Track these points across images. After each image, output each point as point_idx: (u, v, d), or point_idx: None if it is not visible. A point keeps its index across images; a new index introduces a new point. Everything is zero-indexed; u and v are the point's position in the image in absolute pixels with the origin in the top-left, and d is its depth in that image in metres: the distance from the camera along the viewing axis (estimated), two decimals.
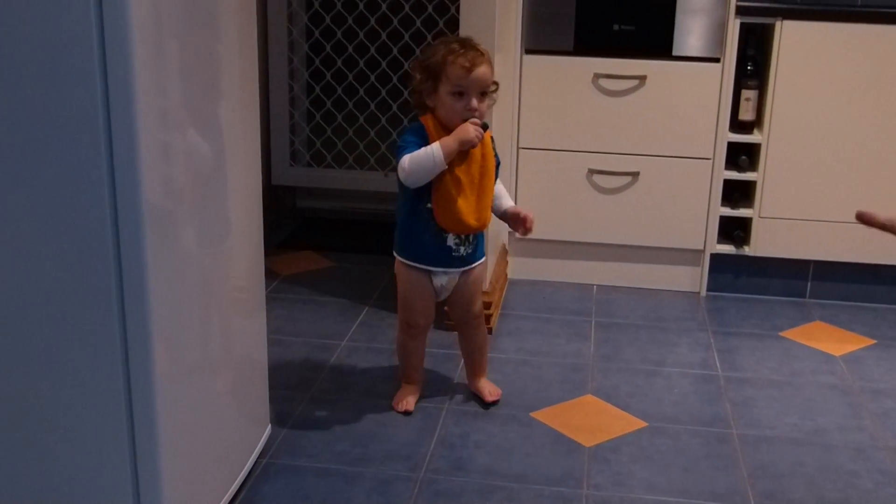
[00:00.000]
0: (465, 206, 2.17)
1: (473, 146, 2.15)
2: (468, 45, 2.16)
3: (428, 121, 2.18)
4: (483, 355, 2.40)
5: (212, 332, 1.82)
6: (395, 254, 2.26)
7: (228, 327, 1.89)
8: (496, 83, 2.19)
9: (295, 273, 3.19)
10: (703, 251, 3.08)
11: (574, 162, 3.02)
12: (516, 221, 2.24)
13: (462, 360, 2.50)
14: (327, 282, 3.12)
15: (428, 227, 2.20)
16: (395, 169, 2.27)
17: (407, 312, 2.29)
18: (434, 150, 2.12)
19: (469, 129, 2.13)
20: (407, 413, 2.33)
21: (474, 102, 2.13)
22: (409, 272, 2.25)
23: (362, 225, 3.57)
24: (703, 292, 3.12)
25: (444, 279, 2.27)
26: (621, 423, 2.35)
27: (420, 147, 2.12)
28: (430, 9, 3.49)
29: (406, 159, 2.12)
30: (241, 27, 1.83)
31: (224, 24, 1.76)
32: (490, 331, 2.77)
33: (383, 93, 3.61)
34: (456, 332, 2.45)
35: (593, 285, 3.15)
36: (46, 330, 1.58)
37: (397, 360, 2.41)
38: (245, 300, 1.96)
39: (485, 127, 2.16)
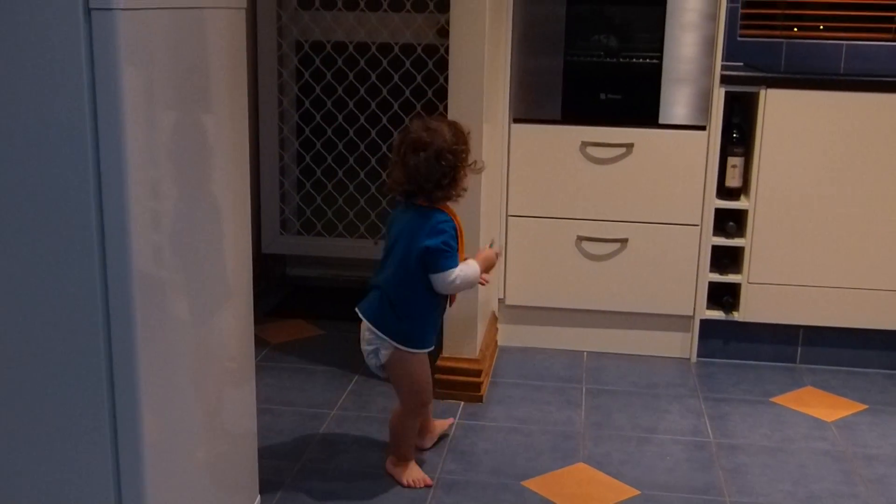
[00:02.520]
0: None
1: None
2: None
3: (453, 215, 2.22)
4: None
5: (201, 403, 1.80)
6: (404, 347, 2.23)
7: (218, 397, 1.88)
8: None
9: (285, 341, 3.18)
10: (692, 317, 3.07)
11: (563, 229, 3.02)
12: None
13: (436, 431, 2.52)
14: (317, 350, 3.11)
15: (441, 310, 2.28)
16: (384, 237, 2.29)
17: (421, 395, 2.30)
18: (475, 273, 2.22)
19: (493, 258, 2.30)
20: (429, 486, 2.33)
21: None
22: (422, 358, 2.27)
23: (352, 293, 3.42)
24: (694, 358, 3.11)
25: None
26: (613, 491, 2.33)
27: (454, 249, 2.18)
28: (419, 78, 3.51)
29: (458, 277, 2.18)
30: (232, 99, 1.85)
31: (216, 96, 1.77)
32: (481, 399, 2.76)
33: (373, 161, 3.61)
34: (432, 402, 2.45)
35: (584, 352, 3.14)
36: (35, 399, 1.57)
37: (395, 439, 2.35)
38: (235, 370, 1.95)
39: None
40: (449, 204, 2.20)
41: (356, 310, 2.25)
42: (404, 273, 2.19)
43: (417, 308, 2.21)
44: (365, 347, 2.25)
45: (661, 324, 3.10)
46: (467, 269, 2.19)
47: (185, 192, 1.69)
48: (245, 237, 1.96)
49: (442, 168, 2.13)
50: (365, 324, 2.23)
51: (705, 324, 3.08)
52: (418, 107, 3.49)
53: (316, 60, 3.56)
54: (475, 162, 2.22)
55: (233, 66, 1.83)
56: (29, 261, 1.52)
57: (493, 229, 2.94)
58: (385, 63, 3.51)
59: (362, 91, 3.58)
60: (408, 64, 3.50)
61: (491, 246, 2.40)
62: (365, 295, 2.28)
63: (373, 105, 3.56)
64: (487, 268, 2.27)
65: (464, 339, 2.75)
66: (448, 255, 2.15)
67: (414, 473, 2.34)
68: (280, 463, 2.41)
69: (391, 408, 2.49)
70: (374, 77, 3.55)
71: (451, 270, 2.16)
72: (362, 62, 3.53)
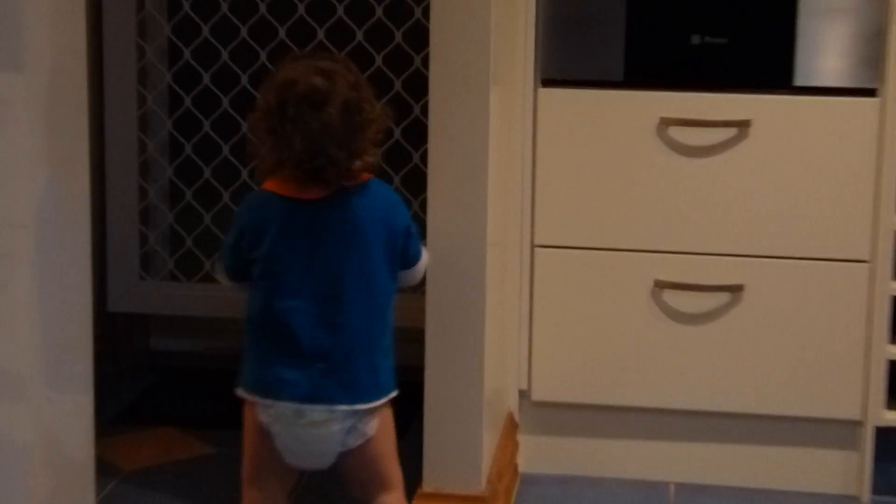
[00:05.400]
0: None
1: None
2: None
3: None
4: None
5: None
6: (384, 400, 2.39)
7: None
8: None
9: (146, 466, 3.15)
10: (861, 424, 3.00)
11: (629, 269, 2.98)
12: None
13: None
14: (202, 481, 3.06)
15: None
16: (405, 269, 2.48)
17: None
18: None
19: None
20: None
21: None
22: None
23: None
24: (866, 496, 3.01)
25: None
26: None
27: None
28: (378, 11, 3.46)
29: (426, 255, 2.49)
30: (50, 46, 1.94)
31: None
32: None
33: None
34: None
35: (669, 484, 3.09)
36: None
37: None
38: None
39: None
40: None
41: (310, 407, 2.33)
42: (379, 289, 2.37)
43: (388, 345, 2.42)
44: (329, 446, 2.36)
45: (804, 435, 3.03)
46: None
47: None
48: (76, 285, 2.03)
49: (357, 124, 2.31)
50: (340, 410, 2.35)
51: (885, 435, 2.99)
52: (378, 59, 3.46)
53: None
54: (384, 106, 2.40)
55: None
56: None
57: (508, 268, 2.96)
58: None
59: (273, 44, 3.60)
60: None
61: None
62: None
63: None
64: None
65: (459, 460, 2.75)
66: (418, 238, 2.45)
67: None
68: None
69: None
70: (294, 16, 3.53)
71: (424, 252, 2.46)
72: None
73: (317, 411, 2.33)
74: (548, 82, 2.91)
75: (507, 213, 2.90)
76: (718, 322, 2.95)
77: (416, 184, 3.30)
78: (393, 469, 2.44)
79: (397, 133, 3.35)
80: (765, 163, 2.89)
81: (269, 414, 2.36)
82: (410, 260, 2.40)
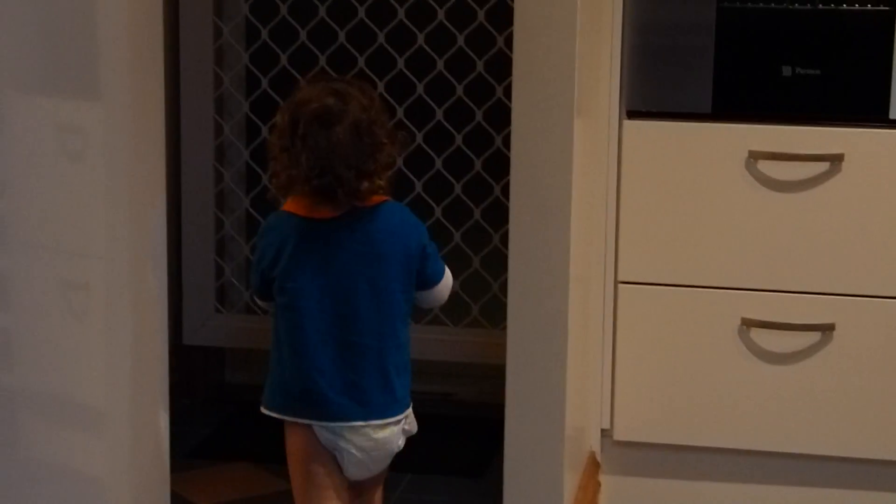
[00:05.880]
0: None
1: None
2: None
3: None
4: None
5: None
6: (399, 417, 2.46)
7: None
8: None
9: (222, 502, 3.17)
10: None
11: (717, 307, 2.96)
12: None
13: None
14: None
15: None
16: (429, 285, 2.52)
17: None
18: None
19: None
20: None
21: None
22: None
23: None
24: None
25: None
26: None
27: None
28: (460, 40, 3.46)
29: (449, 276, 2.51)
30: (133, 85, 1.99)
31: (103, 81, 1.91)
32: None
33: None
34: None
35: None
36: None
37: None
38: None
39: None
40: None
41: (367, 420, 2.41)
42: (392, 309, 2.43)
43: (406, 357, 2.52)
44: (390, 446, 2.45)
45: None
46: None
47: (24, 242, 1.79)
48: (151, 317, 2.06)
49: (366, 146, 2.38)
50: (390, 423, 2.44)
51: None
52: (460, 89, 3.43)
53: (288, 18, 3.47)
54: (399, 133, 2.47)
55: (136, 15, 1.96)
56: None
57: (591, 304, 2.95)
58: (402, 14, 3.49)
59: (361, 62, 3.60)
60: (442, 14, 3.48)
61: None
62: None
63: (380, 85, 3.51)
64: None
65: (540, 500, 2.75)
66: (437, 257, 2.52)
67: None
68: None
69: None
70: (381, 37, 3.51)
71: (446, 272, 2.51)
72: (362, 12, 3.50)
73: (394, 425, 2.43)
74: (633, 114, 2.90)
75: (590, 248, 2.88)
76: (808, 362, 2.91)
77: (497, 216, 3.28)
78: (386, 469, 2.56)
79: (478, 165, 3.35)
80: (857, 198, 2.85)
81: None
82: (429, 280, 2.44)
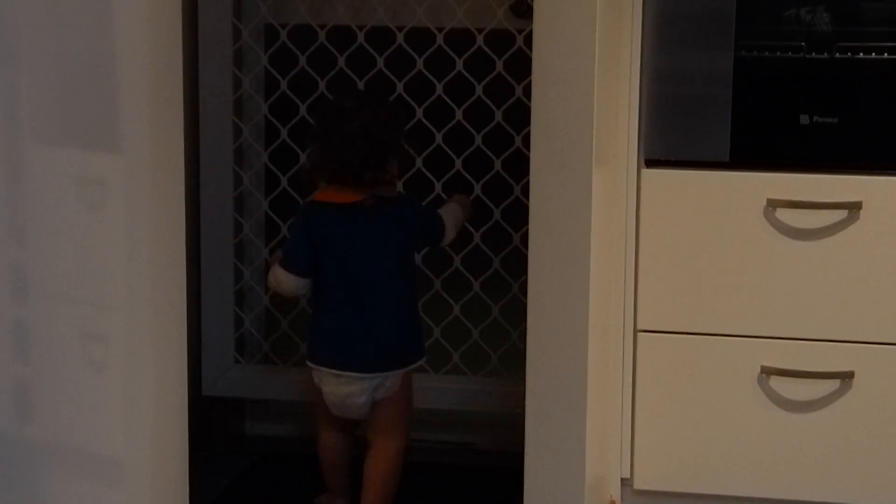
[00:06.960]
0: None
1: None
2: None
3: None
4: None
5: None
6: (411, 365, 3.07)
7: None
8: None
9: None
10: None
11: (736, 354, 2.91)
12: None
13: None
14: None
15: None
16: (434, 243, 3.14)
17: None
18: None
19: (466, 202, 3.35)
20: None
21: None
22: None
23: (359, 461, 3.45)
24: None
25: None
26: None
27: None
28: (478, 90, 3.46)
29: (449, 220, 3.10)
30: (152, 121, 2.00)
31: (122, 120, 1.93)
32: None
33: None
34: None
35: None
36: None
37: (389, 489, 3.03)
38: None
39: None
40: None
41: (347, 373, 3.00)
42: (403, 278, 3.03)
43: (415, 312, 3.11)
44: (357, 399, 3.00)
45: None
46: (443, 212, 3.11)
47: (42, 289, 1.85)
48: (171, 368, 2.06)
49: (372, 142, 2.87)
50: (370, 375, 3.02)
51: None
52: (478, 138, 3.45)
53: (301, 58, 3.49)
54: (408, 148, 3.02)
55: (156, 68, 1.99)
56: None
57: (610, 352, 2.94)
58: (420, 62, 3.49)
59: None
60: (459, 64, 3.47)
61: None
62: None
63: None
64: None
65: None
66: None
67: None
68: None
69: None
70: (400, 87, 3.47)
71: (444, 220, 3.06)
72: (380, 61, 3.49)
73: (351, 376, 2.96)
74: (651, 163, 2.87)
75: (609, 297, 2.86)
76: (827, 410, 2.88)
77: (516, 265, 3.27)
78: (398, 425, 3.02)
79: (497, 214, 3.35)
80: (876, 246, 2.83)
81: (319, 375, 3.00)
82: (434, 234, 3.02)
